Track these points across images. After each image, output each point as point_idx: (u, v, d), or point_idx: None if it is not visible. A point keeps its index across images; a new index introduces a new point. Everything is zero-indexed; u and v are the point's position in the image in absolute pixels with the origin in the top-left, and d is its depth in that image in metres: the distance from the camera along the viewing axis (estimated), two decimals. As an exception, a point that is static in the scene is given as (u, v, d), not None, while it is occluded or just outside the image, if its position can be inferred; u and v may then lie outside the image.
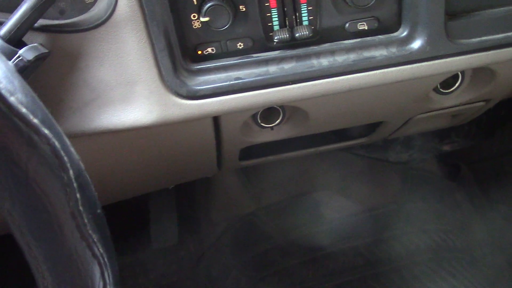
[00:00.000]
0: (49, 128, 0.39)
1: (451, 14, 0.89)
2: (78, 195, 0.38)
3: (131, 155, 1.09)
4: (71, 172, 0.37)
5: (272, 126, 1.05)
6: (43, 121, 0.38)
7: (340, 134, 1.29)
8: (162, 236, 1.91)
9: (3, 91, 0.36)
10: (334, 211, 1.74)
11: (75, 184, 0.38)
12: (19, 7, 0.79)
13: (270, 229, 1.83)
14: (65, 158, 0.37)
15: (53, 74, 0.87)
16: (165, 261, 1.88)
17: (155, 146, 1.05)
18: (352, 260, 1.67)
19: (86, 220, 0.39)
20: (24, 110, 0.37)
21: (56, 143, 0.38)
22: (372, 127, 1.27)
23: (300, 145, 1.20)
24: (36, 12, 0.79)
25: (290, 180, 1.77)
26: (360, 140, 1.31)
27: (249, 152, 1.19)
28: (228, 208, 1.86)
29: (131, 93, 0.87)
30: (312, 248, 1.72)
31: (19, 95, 0.38)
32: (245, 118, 0.98)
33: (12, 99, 0.36)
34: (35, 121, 0.37)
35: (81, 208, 0.39)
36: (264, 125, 1.04)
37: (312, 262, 1.71)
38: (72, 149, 0.41)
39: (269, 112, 1.04)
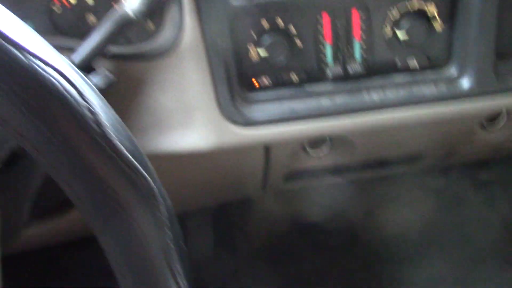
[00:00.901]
0: (145, 168, 0.43)
1: (500, 55, 0.92)
2: (169, 231, 0.42)
3: (179, 176, 1.14)
4: (163, 209, 0.42)
5: (319, 154, 1.08)
6: (141, 163, 0.43)
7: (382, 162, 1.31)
8: (197, 250, 1.95)
9: (111, 136, 0.41)
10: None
11: (167, 221, 0.42)
12: (91, 34, 0.85)
13: (305, 247, 1.85)
14: (160, 198, 0.42)
15: (117, 99, 0.92)
16: (199, 275, 1.92)
17: (204, 168, 1.10)
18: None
19: (173, 253, 0.43)
20: (127, 154, 0.42)
21: (152, 183, 0.42)
22: (413, 156, 1.29)
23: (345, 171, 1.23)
24: (107, 40, 0.84)
25: (330, 203, 1.80)
26: (401, 168, 1.33)
27: (294, 175, 1.23)
28: (265, 225, 1.90)
29: (190, 119, 0.92)
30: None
31: (121, 137, 0.42)
32: (295, 146, 1.02)
33: (117, 142, 0.41)
34: (136, 163, 0.42)
35: (170, 242, 0.43)
36: (311, 152, 1.08)
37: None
38: (162, 187, 0.45)
39: (316, 140, 1.08)
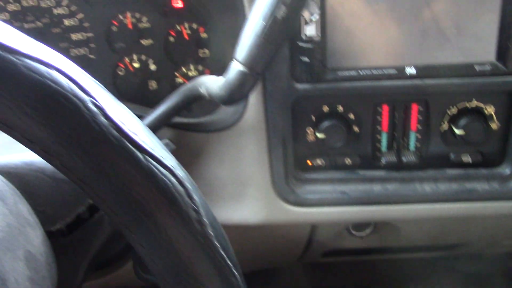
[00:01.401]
0: (235, 266, 0.45)
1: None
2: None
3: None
4: (216, 243, 0.43)
5: (362, 235, 1.09)
6: (231, 260, 0.44)
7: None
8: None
9: (210, 235, 0.42)
10: None
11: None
12: (160, 105, 0.88)
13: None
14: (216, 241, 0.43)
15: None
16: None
17: (247, 238, 1.10)
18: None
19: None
20: (222, 253, 0.43)
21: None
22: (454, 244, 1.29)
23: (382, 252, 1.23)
24: (174, 112, 0.88)
25: (358, 279, 1.78)
26: (438, 253, 1.33)
27: (333, 251, 1.23)
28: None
29: (242, 193, 0.93)
30: None
31: (218, 235, 0.44)
32: (340, 227, 1.03)
33: (215, 241, 0.42)
34: (229, 262, 0.43)
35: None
36: (355, 233, 1.08)
37: None
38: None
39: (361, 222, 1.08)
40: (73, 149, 0.40)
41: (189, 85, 0.85)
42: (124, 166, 0.40)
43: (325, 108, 0.90)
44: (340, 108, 0.90)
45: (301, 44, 0.83)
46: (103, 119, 0.41)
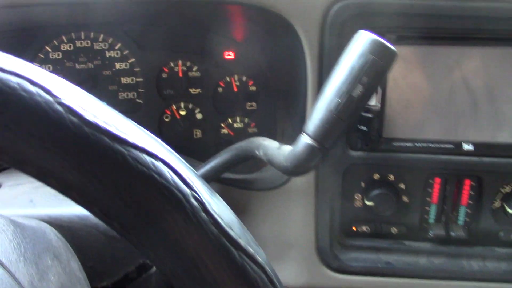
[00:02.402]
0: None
1: None
2: None
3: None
4: None
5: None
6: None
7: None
8: None
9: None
10: None
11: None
12: (211, 160, 0.87)
13: None
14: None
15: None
16: None
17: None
18: None
19: None
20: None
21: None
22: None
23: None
24: (224, 168, 0.87)
25: None
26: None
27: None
28: None
29: (284, 255, 0.91)
30: None
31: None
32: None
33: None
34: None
35: None
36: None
37: None
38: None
39: None
40: (171, 243, 0.39)
41: (243, 143, 0.84)
42: (220, 263, 0.39)
43: (376, 176, 0.89)
44: (391, 177, 0.89)
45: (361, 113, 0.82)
46: (203, 214, 0.39)
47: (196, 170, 0.87)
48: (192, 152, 1.06)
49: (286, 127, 0.98)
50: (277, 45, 0.94)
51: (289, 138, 0.95)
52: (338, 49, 0.79)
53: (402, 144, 0.85)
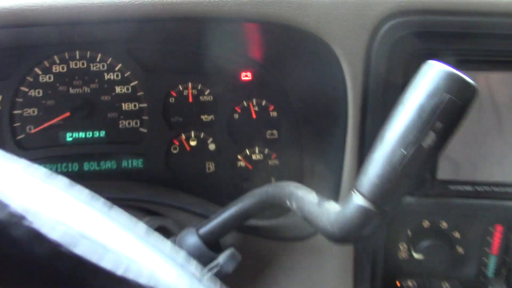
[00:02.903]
0: None
1: None
2: None
3: None
4: None
5: None
6: None
7: None
8: None
9: None
10: None
11: None
12: (232, 206, 0.73)
13: None
14: None
15: (238, 275, 0.79)
16: None
17: None
18: None
19: None
20: None
21: None
22: None
23: None
24: (246, 217, 0.73)
25: None
26: None
27: None
28: None
29: (317, 316, 0.77)
30: None
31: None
32: None
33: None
34: None
35: None
36: None
37: None
38: None
39: None
40: None
41: (270, 189, 0.70)
42: None
43: (426, 223, 0.75)
44: (444, 225, 0.75)
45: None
46: None
47: (213, 217, 0.73)
48: (205, 190, 0.92)
49: (316, 161, 0.83)
50: (306, 66, 0.80)
51: (320, 177, 0.80)
52: (388, 75, 0.65)
53: (460, 187, 0.71)
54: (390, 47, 0.65)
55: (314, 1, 0.67)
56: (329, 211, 0.55)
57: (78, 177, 0.96)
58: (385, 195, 0.50)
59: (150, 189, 0.86)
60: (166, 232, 0.77)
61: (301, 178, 0.90)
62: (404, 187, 0.49)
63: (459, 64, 0.66)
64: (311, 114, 0.86)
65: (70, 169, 0.93)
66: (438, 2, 0.65)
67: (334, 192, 0.74)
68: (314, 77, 0.81)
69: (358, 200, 0.51)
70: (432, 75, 0.49)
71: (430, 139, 0.48)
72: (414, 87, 0.50)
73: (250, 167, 0.94)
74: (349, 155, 0.71)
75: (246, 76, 0.92)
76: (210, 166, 0.94)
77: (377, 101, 0.66)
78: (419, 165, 0.49)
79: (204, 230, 0.73)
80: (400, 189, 0.50)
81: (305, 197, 0.61)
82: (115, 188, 0.84)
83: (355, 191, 0.52)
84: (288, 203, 0.65)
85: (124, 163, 0.93)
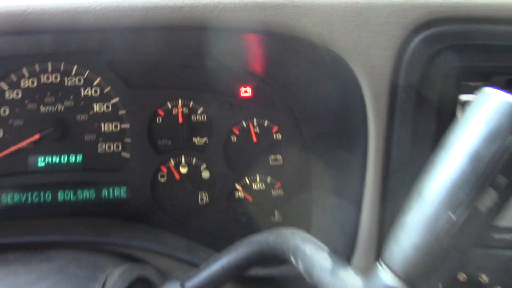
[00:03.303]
0: None
1: None
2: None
3: None
4: None
5: None
6: None
7: None
8: None
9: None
10: None
11: None
12: (214, 261, 0.60)
13: None
14: None
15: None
16: None
17: None
18: None
19: None
20: None
21: None
22: None
23: None
24: (244, 266, 0.60)
25: None
26: None
27: None
28: None
29: None
30: None
31: None
32: None
33: None
34: None
35: None
36: None
37: None
38: None
39: None
40: None
41: (270, 238, 0.57)
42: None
43: (462, 277, 0.61)
44: (484, 279, 0.61)
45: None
46: None
47: (202, 268, 0.60)
48: (196, 226, 0.80)
49: (328, 195, 0.70)
50: (316, 81, 0.67)
51: (333, 215, 0.67)
52: (419, 98, 0.52)
53: (506, 236, 0.57)
54: (423, 64, 0.51)
55: (325, 6, 0.53)
56: (346, 284, 0.41)
57: (52, 208, 0.85)
58: (424, 274, 0.36)
59: (131, 228, 0.72)
60: (146, 284, 0.63)
61: (309, 215, 0.76)
62: (451, 263, 0.36)
63: (507, 84, 0.53)
64: (322, 137, 0.72)
65: (42, 199, 0.81)
66: (486, 7, 0.51)
67: (351, 239, 0.60)
68: (326, 95, 0.67)
69: (386, 278, 0.38)
70: (491, 109, 0.35)
71: (489, 199, 0.34)
72: (466, 126, 0.36)
73: (250, 198, 0.81)
74: (370, 190, 0.57)
75: (245, 92, 0.80)
76: (204, 197, 0.81)
77: (405, 129, 0.53)
78: (473, 235, 0.35)
79: (191, 283, 0.60)
80: (445, 267, 0.36)
81: (315, 258, 0.47)
82: (89, 227, 0.71)
83: (382, 263, 0.38)
84: (293, 259, 0.52)
85: (104, 193, 0.81)
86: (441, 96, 0.51)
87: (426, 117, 0.52)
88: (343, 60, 0.52)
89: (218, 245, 0.72)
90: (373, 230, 0.58)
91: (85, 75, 0.79)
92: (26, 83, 0.79)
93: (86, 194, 0.81)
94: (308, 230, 0.75)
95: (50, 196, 0.81)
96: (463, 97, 0.54)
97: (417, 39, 0.51)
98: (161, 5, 0.56)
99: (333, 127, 0.67)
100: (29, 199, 0.81)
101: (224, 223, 0.80)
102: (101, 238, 0.68)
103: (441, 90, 0.51)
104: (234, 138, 0.80)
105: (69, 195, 0.81)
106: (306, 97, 0.73)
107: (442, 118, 0.53)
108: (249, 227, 0.80)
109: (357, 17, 0.51)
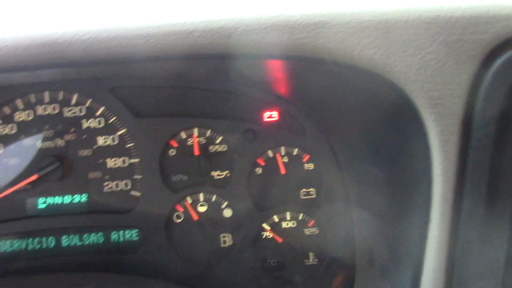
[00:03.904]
0: None
1: None
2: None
3: None
4: None
5: None
6: None
7: None
8: None
9: None
10: None
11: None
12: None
13: None
14: None
15: None
16: None
17: None
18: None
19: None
20: None
21: None
22: None
23: None
24: None
25: None
26: None
27: None
28: None
29: None
30: None
31: None
32: None
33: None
34: None
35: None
36: None
37: None
38: None
39: None
40: None
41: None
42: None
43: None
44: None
45: None
46: None
47: None
48: (219, 277, 0.70)
49: (375, 239, 0.59)
50: (358, 103, 0.56)
51: (383, 267, 0.56)
52: (503, 134, 0.40)
53: None
54: (506, 93, 0.39)
55: (378, 24, 0.42)
56: None
57: (55, 255, 0.76)
58: None
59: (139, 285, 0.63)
60: None
61: (353, 258, 0.65)
62: None
63: None
64: (367, 174, 0.61)
65: (44, 245, 0.73)
66: None
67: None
68: (370, 121, 0.56)
69: None
70: None
71: None
72: None
73: (279, 240, 0.70)
74: (434, 251, 0.45)
75: (271, 116, 0.69)
76: (226, 240, 0.71)
77: (481, 175, 0.41)
78: None
79: None
80: None
81: None
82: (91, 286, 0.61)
83: None
84: None
85: (114, 236, 0.72)
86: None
87: (507, 159, 0.41)
88: (401, 90, 0.41)
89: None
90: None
91: (87, 104, 0.71)
92: (21, 116, 0.70)
93: (93, 238, 0.73)
94: (351, 280, 0.64)
95: (53, 242, 0.73)
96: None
97: (500, 60, 0.39)
98: (166, 31, 0.46)
99: (381, 164, 0.56)
100: (30, 246, 0.72)
101: (251, 270, 0.70)
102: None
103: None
104: (259, 171, 0.72)
105: (74, 240, 0.73)
106: (344, 122, 0.63)
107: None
108: (280, 275, 0.69)
109: (421, 35, 0.40)
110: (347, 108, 0.59)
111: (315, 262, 0.72)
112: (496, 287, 0.44)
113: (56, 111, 0.71)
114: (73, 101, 0.71)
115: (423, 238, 0.47)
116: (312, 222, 0.71)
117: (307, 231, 0.72)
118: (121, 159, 0.72)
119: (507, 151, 0.41)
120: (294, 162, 0.71)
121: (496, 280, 0.44)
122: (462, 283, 0.44)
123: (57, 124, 0.71)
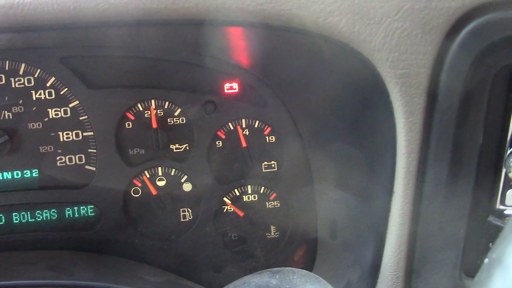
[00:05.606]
0: None
1: None
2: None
3: None
4: None
5: None
6: None
7: None
8: None
9: None
10: None
11: None
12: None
13: None
14: None
15: None
16: None
17: None
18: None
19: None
20: None
21: None
22: None
23: None
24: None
25: None
26: None
27: None
28: None
29: None
30: None
31: None
32: None
33: None
34: None
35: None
36: None
37: None
38: None
39: None
40: None
41: (272, 283, 0.45)
42: None
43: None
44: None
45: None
46: None
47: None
48: (179, 252, 0.69)
49: (337, 210, 0.58)
50: (322, 73, 0.54)
51: (345, 240, 0.55)
52: (467, 106, 0.39)
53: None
54: (470, 63, 0.39)
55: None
56: None
57: (6, 233, 0.73)
58: None
59: (99, 263, 0.61)
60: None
61: (315, 231, 0.64)
62: None
63: None
64: (330, 141, 0.60)
65: None
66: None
67: (370, 275, 0.49)
68: (336, 90, 0.54)
69: None
70: None
71: None
72: None
73: (241, 213, 0.69)
74: (397, 220, 0.45)
75: (231, 88, 0.67)
76: (186, 214, 0.69)
77: (445, 146, 0.41)
78: None
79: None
80: None
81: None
82: (48, 267, 0.59)
83: None
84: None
85: (68, 213, 0.69)
86: (491, 103, 0.40)
87: (470, 131, 0.40)
88: (366, 59, 0.39)
89: (206, 276, 0.60)
90: (400, 266, 0.46)
91: (36, 75, 0.66)
92: (-35, 88, 0.66)
93: (46, 215, 0.70)
94: (313, 253, 0.64)
95: (3, 219, 0.69)
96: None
97: (465, 30, 0.39)
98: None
99: (345, 136, 0.55)
100: (-23, 223, 0.68)
101: (212, 245, 0.68)
102: (62, 281, 0.56)
103: (492, 95, 0.40)
104: (219, 144, 0.69)
105: (26, 217, 0.69)
106: (307, 93, 0.61)
107: (491, 132, 0.41)
108: (241, 249, 0.68)
109: (387, 2, 0.38)
110: (311, 80, 0.58)
111: (277, 236, 0.71)
112: (456, 259, 0.45)
113: (3, 82, 0.67)
114: (21, 71, 0.67)
115: (386, 210, 0.46)
116: (273, 196, 0.70)
117: (268, 205, 0.71)
118: (74, 132, 0.68)
119: (470, 123, 0.41)
120: (256, 135, 0.69)
121: (457, 252, 0.44)
122: (424, 255, 0.44)
123: (4, 95, 0.67)
